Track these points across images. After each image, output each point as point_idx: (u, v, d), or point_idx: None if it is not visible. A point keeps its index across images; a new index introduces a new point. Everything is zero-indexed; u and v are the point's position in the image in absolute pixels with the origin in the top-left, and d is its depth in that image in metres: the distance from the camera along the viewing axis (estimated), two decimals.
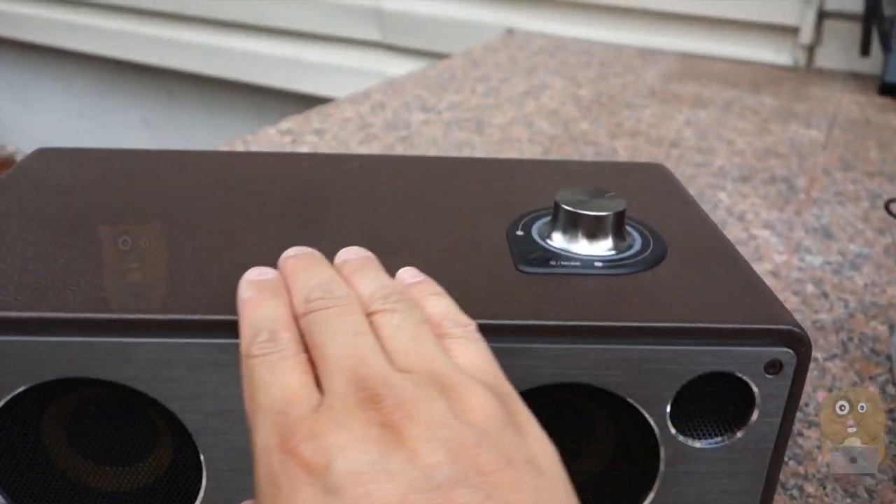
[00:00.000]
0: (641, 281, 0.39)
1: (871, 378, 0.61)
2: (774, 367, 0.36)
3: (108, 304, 0.35)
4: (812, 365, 0.62)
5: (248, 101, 2.16)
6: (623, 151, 1.08)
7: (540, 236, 0.42)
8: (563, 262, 0.40)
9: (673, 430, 0.37)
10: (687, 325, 0.35)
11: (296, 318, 0.32)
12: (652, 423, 0.37)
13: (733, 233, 0.85)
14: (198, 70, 2.12)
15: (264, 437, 0.28)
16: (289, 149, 1.03)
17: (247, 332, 0.31)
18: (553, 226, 0.42)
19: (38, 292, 0.35)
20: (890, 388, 0.60)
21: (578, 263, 0.40)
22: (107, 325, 0.34)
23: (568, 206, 0.41)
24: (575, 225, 0.41)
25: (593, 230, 0.41)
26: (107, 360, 0.34)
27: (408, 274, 0.36)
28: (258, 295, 0.33)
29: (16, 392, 0.35)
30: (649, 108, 1.28)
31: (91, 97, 2.41)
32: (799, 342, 0.36)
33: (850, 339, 0.66)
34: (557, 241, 0.41)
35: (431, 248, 0.41)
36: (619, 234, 0.41)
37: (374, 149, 1.04)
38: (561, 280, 0.39)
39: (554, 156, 1.05)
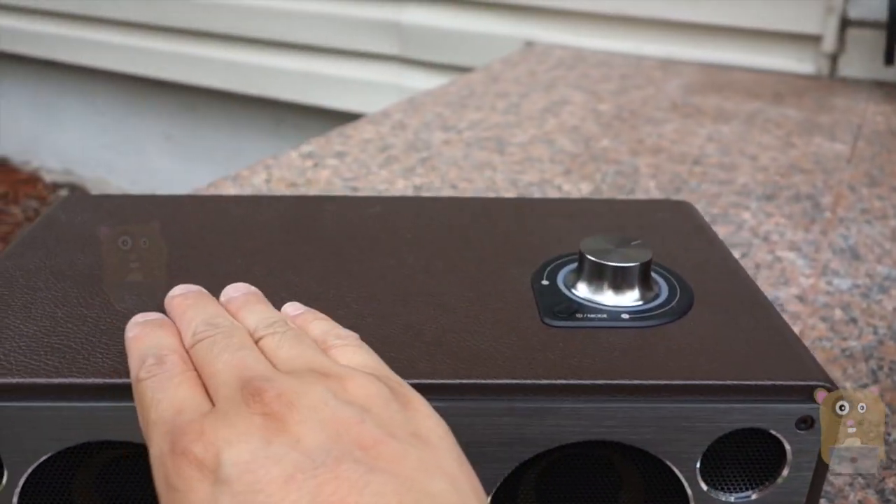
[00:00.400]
0: (669, 333, 0.39)
1: None
2: (806, 422, 0.35)
3: None
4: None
5: (268, 115, 2.17)
6: (646, 170, 1.07)
7: (565, 286, 0.42)
8: (589, 315, 0.39)
9: (704, 486, 0.37)
10: (717, 382, 0.35)
11: (186, 352, 0.33)
12: (682, 478, 0.37)
13: (759, 255, 0.84)
14: (219, 86, 2.14)
15: (158, 446, 0.29)
16: (310, 172, 1.03)
17: (134, 362, 0.32)
18: (578, 275, 0.42)
19: (69, 356, 0.36)
20: None
21: (605, 315, 0.39)
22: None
23: (593, 256, 0.41)
24: (601, 276, 0.41)
25: (619, 281, 0.41)
26: (134, 424, 0.35)
27: (291, 308, 0.38)
28: (143, 329, 0.34)
29: (46, 456, 0.35)
30: (671, 123, 1.27)
31: (114, 113, 2.44)
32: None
33: (881, 367, 0.65)
34: (583, 291, 0.41)
35: (457, 300, 0.41)
36: (645, 283, 0.41)
37: (395, 171, 1.04)
38: (587, 334, 0.38)
39: (575, 175, 1.05)
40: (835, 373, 0.64)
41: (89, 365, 0.35)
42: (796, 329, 0.70)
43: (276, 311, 0.37)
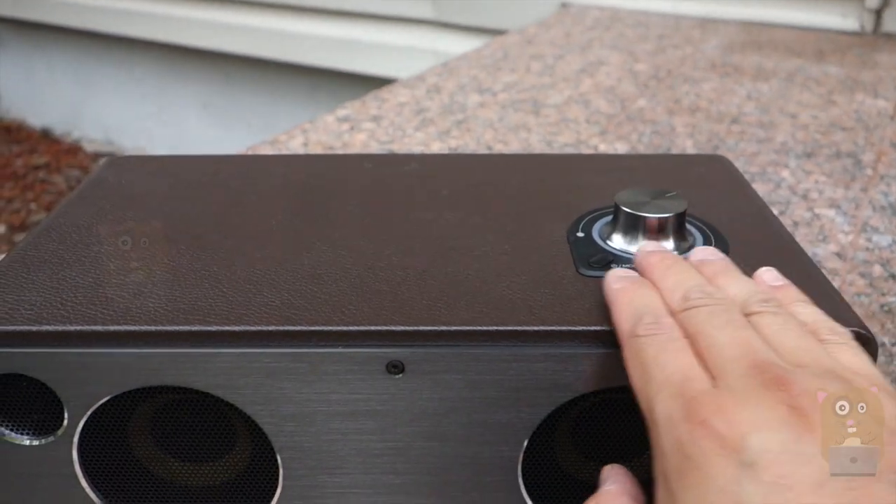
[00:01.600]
0: None
1: None
2: None
3: (187, 316, 0.37)
4: (879, 350, 0.61)
5: (303, 82, 2.18)
6: (682, 129, 1.06)
7: (600, 237, 0.43)
8: (623, 265, 0.40)
9: None
10: None
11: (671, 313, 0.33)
12: None
13: (797, 212, 0.83)
14: (255, 53, 2.15)
15: (667, 409, 0.29)
16: (346, 136, 1.04)
17: (627, 316, 0.33)
18: (613, 227, 0.42)
19: (123, 305, 0.37)
20: None
21: None
22: (187, 336, 0.36)
23: (628, 207, 0.41)
24: (635, 227, 0.41)
25: (654, 232, 0.41)
26: (187, 370, 0.36)
27: (769, 276, 0.37)
28: (632, 285, 0.35)
29: (104, 400, 0.37)
30: (709, 82, 1.26)
31: (152, 82, 2.47)
32: (866, 344, 0.36)
33: None
34: (618, 242, 0.42)
35: (494, 252, 0.42)
36: (679, 234, 0.42)
37: (430, 134, 1.05)
38: None
39: (611, 136, 1.04)
40: (873, 327, 0.64)
41: (142, 313, 0.37)
42: (834, 284, 0.70)
43: (755, 282, 0.36)
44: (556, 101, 1.17)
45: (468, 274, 0.40)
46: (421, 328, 0.36)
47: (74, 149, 2.64)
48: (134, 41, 2.36)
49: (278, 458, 0.39)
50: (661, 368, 0.30)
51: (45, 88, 2.68)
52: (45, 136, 2.68)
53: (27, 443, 0.38)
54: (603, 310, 0.37)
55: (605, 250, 0.41)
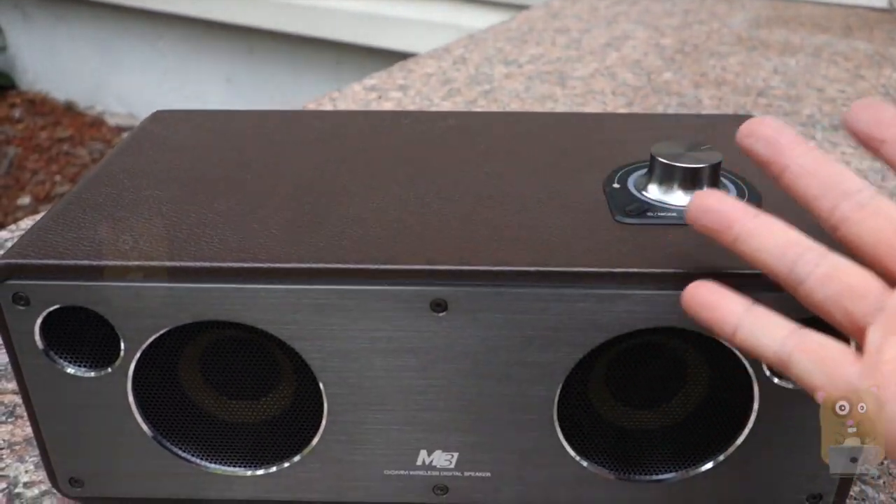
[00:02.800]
0: None
1: None
2: None
3: (238, 253, 0.38)
4: None
5: (328, 56, 2.19)
6: (708, 101, 1.06)
7: (636, 188, 0.44)
8: (659, 213, 0.41)
9: (767, 371, 0.39)
10: None
11: None
12: (748, 365, 0.39)
13: None
14: (279, 27, 2.16)
15: None
16: (374, 105, 1.05)
17: (777, 252, 0.33)
18: (649, 178, 0.43)
19: (177, 243, 0.39)
20: None
21: (674, 214, 0.41)
22: (238, 272, 0.37)
23: (664, 158, 0.42)
24: (671, 177, 0.42)
25: (689, 182, 0.42)
26: (238, 305, 0.38)
27: None
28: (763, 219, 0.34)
29: (159, 333, 0.39)
30: (735, 56, 1.25)
31: (175, 56, 2.49)
32: None
33: None
34: (653, 192, 0.43)
35: (532, 202, 0.43)
36: (714, 185, 0.43)
37: (457, 104, 1.06)
38: (658, 230, 0.40)
39: (638, 108, 1.05)
40: None
41: (196, 251, 0.38)
42: None
43: None
44: (582, 74, 1.18)
45: (508, 220, 0.41)
46: (464, 268, 0.37)
47: (98, 122, 2.67)
48: (157, 15, 2.37)
49: (323, 393, 0.40)
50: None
51: (69, 62, 2.70)
52: (69, 109, 2.71)
53: (85, 374, 0.40)
54: (641, 253, 0.38)
55: (640, 200, 0.42)
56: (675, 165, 0.42)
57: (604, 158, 0.48)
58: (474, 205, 0.43)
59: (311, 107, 1.06)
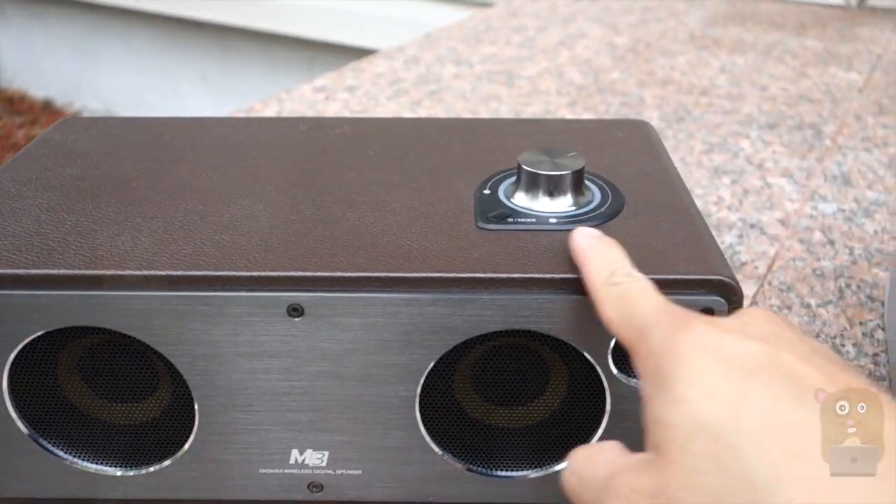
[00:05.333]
0: None
1: (860, 323, 0.62)
2: (707, 313, 0.38)
3: (103, 262, 0.40)
4: (804, 311, 0.64)
5: (301, 55, 2.20)
6: (651, 101, 1.08)
7: (505, 196, 0.45)
8: (520, 220, 0.43)
9: (615, 370, 0.40)
10: None
11: None
12: (596, 366, 0.40)
13: (749, 181, 0.85)
14: (252, 25, 2.17)
15: (662, 323, 0.32)
16: (321, 105, 1.07)
17: (602, 267, 0.36)
18: (517, 185, 0.45)
19: (45, 252, 0.40)
20: (879, 333, 0.61)
21: (534, 220, 0.42)
22: (102, 280, 0.39)
23: (528, 166, 0.44)
24: (535, 184, 0.44)
25: (551, 188, 0.43)
26: (103, 311, 0.39)
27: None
28: (600, 242, 0.38)
29: (31, 338, 0.40)
30: (685, 55, 1.27)
31: (151, 54, 2.49)
32: (730, 291, 0.38)
33: (849, 285, 0.67)
34: (520, 199, 0.44)
35: (402, 208, 0.44)
36: (577, 190, 0.44)
37: (402, 104, 1.07)
38: (516, 235, 0.42)
39: (580, 107, 1.06)
40: (802, 290, 0.66)
41: (64, 259, 0.40)
42: (771, 250, 0.72)
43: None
44: (530, 73, 1.19)
45: (373, 226, 0.43)
46: (319, 274, 0.39)
47: None
48: (133, 13, 2.38)
49: (193, 396, 0.42)
50: (646, 299, 0.33)
51: (46, 60, 2.71)
52: (47, 107, 2.72)
53: None
54: (492, 258, 0.40)
55: (505, 206, 0.44)
56: (537, 173, 0.43)
57: (485, 164, 0.49)
58: (345, 211, 0.44)
59: (258, 107, 1.07)
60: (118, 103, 2.62)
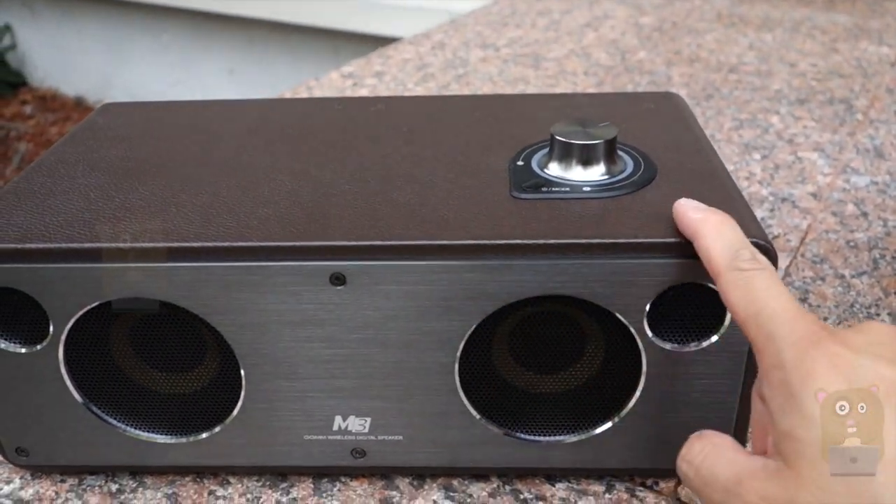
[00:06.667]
0: (626, 203, 0.42)
1: (895, 293, 0.62)
2: None
3: (153, 235, 0.41)
4: (837, 282, 0.64)
5: (327, 45, 2.21)
6: (678, 79, 1.08)
7: (538, 166, 0.46)
8: (553, 189, 0.43)
9: (651, 335, 0.41)
10: (659, 240, 0.39)
11: None
12: (631, 329, 0.41)
13: (780, 156, 0.85)
14: (277, 17, 2.19)
15: (790, 331, 0.32)
16: (350, 91, 1.08)
17: (722, 248, 0.36)
18: (550, 156, 0.46)
19: (97, 227, 0.42)
20: None
21: (568, 189, 0.43)
22: (152, 252, 0.40)
23: (561, 136, 0.44)
24: (568, 154, 0.44)
25: (584, 158, 0.44)
26: (154, 283, 0.41)
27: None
28: (714, 216, 0.37)
29: (85, 309, 0.42)
30: (713, 33, 1.26)
31: (178, 49, 2.52)
32: (765, 254, 0.39)
33: (883, 256, 0.67)
34: (553, 169, 0.45)
35: (438, 180, 0.45)
36: (610, 159, 0.45)
37: (430, 88, 1.08)
38: (550, 204, 0.42)
39: (608, 87, 1.06)
40: (836, 261, 0.67)
41: (115, 233, 0.41)
42: (803, 224, 0.72)
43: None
44: (556, 55, 1.19)
45: (411, 198, 0.44)
46: (360, 243, 0.40)
47: None
48: (161, 8, 2.41)
49: (240, 364, 0.43)
50: (774, 298, 0.33)
51: (77, 57, 2.75)
52: (79, 104, 2.76)
53: (18, 350, 0.43)
54: (528, 225, 0.41)
55: (539, 176, 0.45)
56: (570, 143, 0.44)
57: (517, 137, 0.50)
58: (383, 185, 0.45)
59: (288, 94, 1.09)
60: (147, 98, 2.65)
